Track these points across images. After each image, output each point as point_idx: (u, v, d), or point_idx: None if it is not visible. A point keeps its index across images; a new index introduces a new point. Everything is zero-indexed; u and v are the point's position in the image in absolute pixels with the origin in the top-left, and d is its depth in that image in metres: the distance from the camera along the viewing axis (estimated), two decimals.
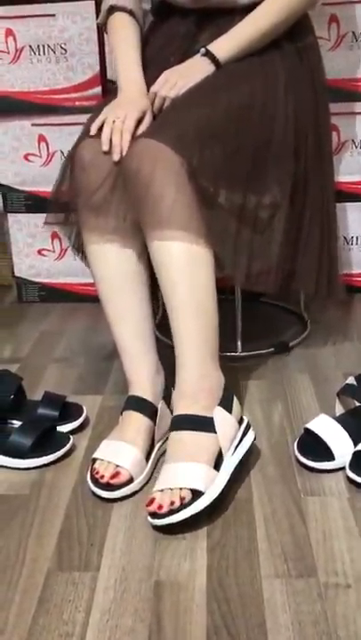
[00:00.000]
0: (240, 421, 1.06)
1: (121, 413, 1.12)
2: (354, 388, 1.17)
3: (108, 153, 1.07)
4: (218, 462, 0.98)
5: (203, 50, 1.17)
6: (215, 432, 0.99)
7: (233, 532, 0.93)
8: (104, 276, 1.14)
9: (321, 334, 1.57)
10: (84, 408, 1.23)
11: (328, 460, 1.05)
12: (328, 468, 1.05)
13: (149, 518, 0.94)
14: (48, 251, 1.82)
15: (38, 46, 1.64)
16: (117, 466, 1.02)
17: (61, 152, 1.72)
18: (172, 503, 0.92)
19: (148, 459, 1.07)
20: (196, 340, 1.03)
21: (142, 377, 1.12)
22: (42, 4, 1.61)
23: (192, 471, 0.95)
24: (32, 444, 1.09)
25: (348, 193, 1.68)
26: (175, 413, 1.02)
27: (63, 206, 1.17)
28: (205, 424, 0.99)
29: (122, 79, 1.18)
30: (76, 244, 1.25)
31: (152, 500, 0.94)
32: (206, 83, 1.14)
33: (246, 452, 1.04)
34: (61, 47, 1.64)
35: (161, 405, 1.11)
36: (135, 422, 1.09)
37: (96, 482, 1.02)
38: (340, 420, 1.11)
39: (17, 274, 1.86)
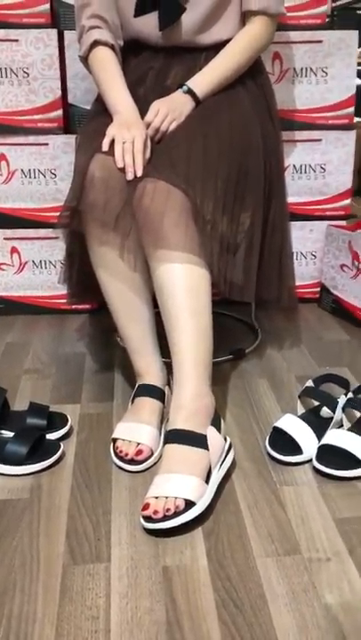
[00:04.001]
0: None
1: (132, 401, 1.29)
2: (313, 389, 1.32)
3: (122, 170, 1.18)
4: (207, 476, 1.07)
5: (185, 87, 1.30)
6: (207, 449, 1.09)
7: (223, 520, 1.06)
8: (114, 286, 1.27)
9: (270, 341, 1.73)
10: (68, 416, 1.32)
11: (297, 454, 1.20)
12: (297, 460, 1.19)
13: (143, 521, 1.02)
14: (7, 265, 1.88)
15: (1, 69, 1.70)
16: (139, 443, 1.18)
17: (22, 171, 1.79)
18: (168, 510, 1.01)
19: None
20: (196, 359, 1.15)
21: (153, 369, 1.30)
22: (6, 30, 1.68)
23: (187, 483, 1.04)
24: (27, 452, 1.17)
25: (290, 213, 1.86)
26: (172, 427, 1.11)
27: (71, 218, 1.25)
28: (200, 441, 1.09)
29: (117, 103, 1.29)
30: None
31: (147, 505, 1.03)
32: (194, 119, 1.27)
33: (228, 468, 1.15)
34: (24, 71, 1.71)
35: (167, 390, 1.29)
36: (149, 405, 1.25)
37: (121, 459, 1.17)
38: (303, 418, 1.26)
39: None
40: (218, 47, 1.36)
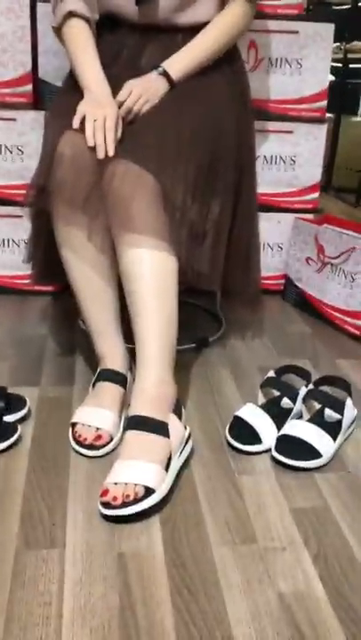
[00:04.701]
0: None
1: (93, 385, 1.27)
2: (274, 380, 1.33)
3: (92, 149, 1.14)
4: (167, 464, 1.07)
5: (160, 69, 1.28)
6: (168, 437, 1.09)
7: (181, 509, 1.05)
8: (79, 267, 1.24)
9: (234, 332, 1.73)
10: (27, 399, 1.29)
11: (256, 444, 1.20)
12: (256, 450, 1.20)
13: (101, 507, 1.01)
14: None
15: None
16: (98, 429, 1.16)
17: None
18: (127, 497, 1.01)
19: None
20: (160, 344, 1.13)
21: (116, 353, 1.28)
22: None
23: (147, 470, 1.03)
24: None
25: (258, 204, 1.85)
26: (134, 413, 1.11)
27: (38, 197, 1.21)
28: (161, 428, 1.09)
29: (89, 79, 1.25)
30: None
31: (106, 491, 1.02)
32: (168, 102, 1.25)
33: (187, 456, 1.15)
34: None
35: (129, 375, 1.27)
36: (111, 391, 1.24)
37: (79, 443, 1.15)
38: (264, 408, 1.26)
39: None
40: (195, 30, 1.34)
